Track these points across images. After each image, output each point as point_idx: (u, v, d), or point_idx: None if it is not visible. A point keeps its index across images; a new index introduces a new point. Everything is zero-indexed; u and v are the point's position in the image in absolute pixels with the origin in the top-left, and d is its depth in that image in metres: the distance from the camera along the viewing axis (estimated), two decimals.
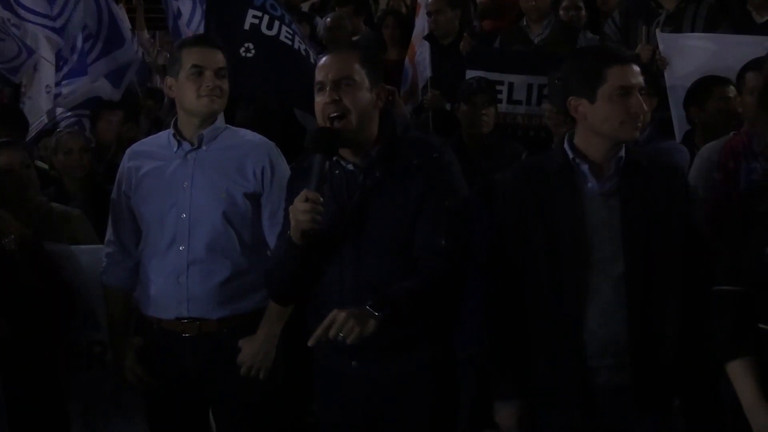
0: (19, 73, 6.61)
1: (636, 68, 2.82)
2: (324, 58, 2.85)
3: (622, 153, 2.85)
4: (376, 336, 2.69)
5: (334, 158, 2.80)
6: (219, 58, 3.36)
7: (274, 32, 5.21)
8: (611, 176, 2.84)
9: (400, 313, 2.64)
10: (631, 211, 2.80)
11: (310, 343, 2.58)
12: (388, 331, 2.71)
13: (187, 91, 3.33)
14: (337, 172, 2.81)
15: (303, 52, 5.38)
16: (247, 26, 5.14)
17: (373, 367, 2.82)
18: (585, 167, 2.84)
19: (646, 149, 3.88)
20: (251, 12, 5.20)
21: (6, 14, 6.42)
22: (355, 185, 2.79)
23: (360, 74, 2.79)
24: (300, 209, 2.64)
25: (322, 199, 2.65)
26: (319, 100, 2.78)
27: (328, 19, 6.66)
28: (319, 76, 2.80)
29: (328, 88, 2.76)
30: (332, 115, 2.75)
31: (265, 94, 5.27)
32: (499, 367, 2.93)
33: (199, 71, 3.30)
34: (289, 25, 5.38)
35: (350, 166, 2.81)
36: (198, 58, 3.32)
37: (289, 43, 5.25)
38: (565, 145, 2.90)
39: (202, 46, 3.38)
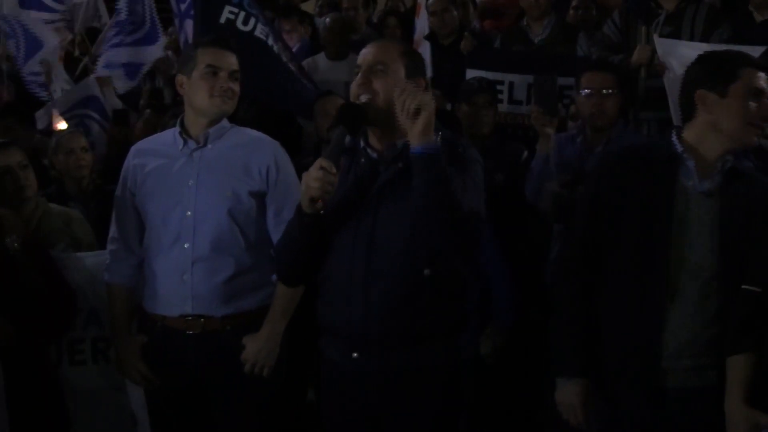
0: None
1: (766, 76, 2.84)
2: (366, 46, 2.88)
3: (730, 156, 2.86)
4: (379, 328, 2.74)
5: (362, 145, 2.83)
6: (233, 61, 3.39)
7: (249, 28, 5.31)
8: (714, 176, 2.84)
9: (433, 165, 2.62)
10: (732, 214, 2.80)
11: None
12: (392, 325, 2.75)
13: (200, 91, 3.34)
14: (362, 160, 2.83)
15: (275, 50, 5.42)
16: (222, 20, 5.23)
17: (374, 360, 2.82)
18: (691, 163, 2.84)
19: (622, 144, 3.91)
20: (228, 8, 5.32)
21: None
22: (377, 174, 2.80)
23: (396, 63, 2.80)
24: (312, 176, 2.65)
25: (335, 169, 2.67)
26: (353, 83, 2.82)
27: (328, 20, 6.67)
28: (358, 61, 2.84)
29: (361, 72, 2.80)
30: (360, 97, 2.78)
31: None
32: (565, 344, 2.92)
33: (213, 71, 3.33)
34: (264, 25, 5.43)
35: (375, 155, 2.83)
36: (213, 58, 3.35)
37: (264, 38, 5.30)
38: (673, 138, 2.89)
39: (217, 47, 3.40)
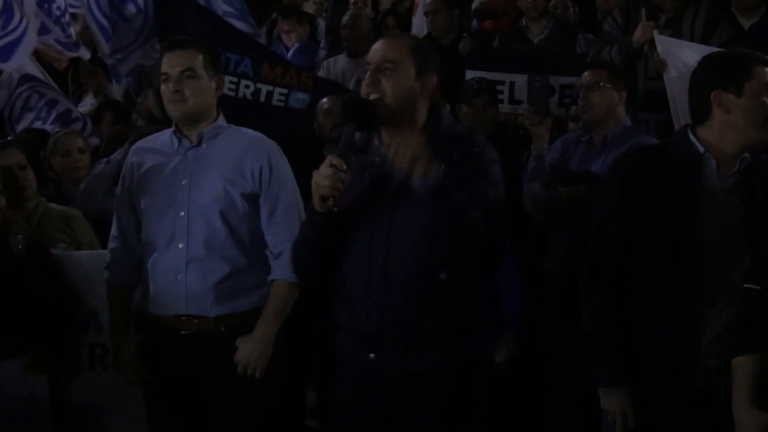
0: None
1: None
2: (378, 42, 2.87)
3: (746, 153, 2.88)
4: (396, 330, 2.73)
5: (376, 144, 2.81)
6: (183, 59, 3.32)
7: None
8: (732, 174, 2.86)
9: (437, 198, 2.64)
10: (755, 210, 2.82)
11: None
12: (409, 326, 2.74)
13: (164, 99, 3.36)
14: (377, 159, 2.80)
15: (250, 96, 5.30)
16: None
17: (390, 361, 2.81)
18: (713, 163, 2.86)
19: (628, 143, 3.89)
20: None
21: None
22: (392, 172, 2.76)
23: (406, 61, 2.79)
24: (322, 174, 2.63)
25: (346, 167, 2.64)
26: (363, 82, 2.82)
27: (346, 17, 6.71)
28: (368, 58, 2.84)
29: (369, 71, 2.79)
30: (369, 97, 2.76)
31: None
32: (605, 352, 2.93)
33: (165, 78, 3.31)
34: (233, 72, 5.29)
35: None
36: (164, 65, 3.34)
37: (232, 94, 5.19)
38: (692, 138, 2.90)
39: (168, 51, 3.37)
